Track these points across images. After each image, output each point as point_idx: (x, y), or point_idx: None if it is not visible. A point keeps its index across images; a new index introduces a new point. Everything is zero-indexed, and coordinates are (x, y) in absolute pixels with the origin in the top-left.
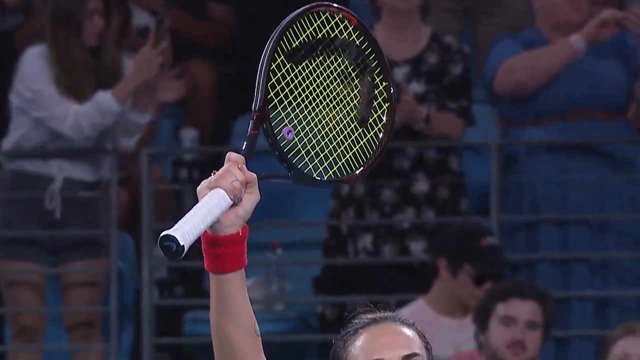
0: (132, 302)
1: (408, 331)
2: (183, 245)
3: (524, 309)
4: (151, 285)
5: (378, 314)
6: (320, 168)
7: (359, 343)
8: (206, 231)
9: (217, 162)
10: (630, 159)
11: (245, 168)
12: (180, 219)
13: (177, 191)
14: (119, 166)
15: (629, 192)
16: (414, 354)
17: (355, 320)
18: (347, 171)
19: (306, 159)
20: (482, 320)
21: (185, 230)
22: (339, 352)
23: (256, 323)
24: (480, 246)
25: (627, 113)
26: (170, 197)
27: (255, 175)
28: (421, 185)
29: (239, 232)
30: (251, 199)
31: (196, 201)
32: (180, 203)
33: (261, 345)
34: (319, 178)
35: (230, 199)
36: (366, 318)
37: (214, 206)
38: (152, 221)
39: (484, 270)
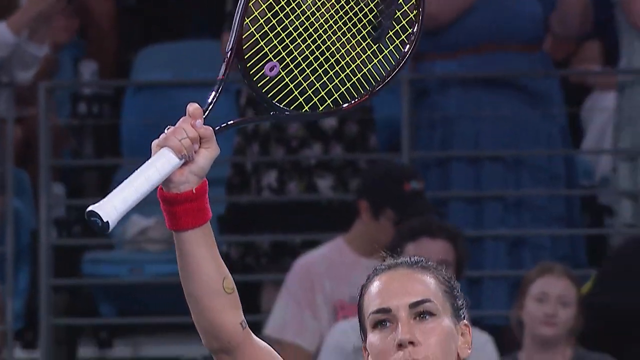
0: (28, 242)
1: (423, 277)
2: (107, 222)
3: (434, 249)
4: (49, 224)
5: (395, 260)
6: (315, 99)
7: (371, 291)
8: (161, 188)
9: (118, 96)
10: (546, 92)
11: (199, 123)
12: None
13: (75, 126)
14: (15, 100)
15: (544, 127)
16: (423, 301)
17: (376, 267)
18: (351, 96)
19: (296, 92)
20: None
21: (113, 204)
22: (359, 300)
23: (228, 279)
24: (403, 191)
25: (543, 45)
26: (69, 133)
27: (210, 129)
28: (329, 120)
29: (192, 190)
30: (206, 155)
31: (99, 137)
32: (79, 138)
33: (235, 301)
34: (313, 110)
35: (179, 158)
36: (384, 265)
37: (155, 170)
38: (49, 157)
39: (406, 215)
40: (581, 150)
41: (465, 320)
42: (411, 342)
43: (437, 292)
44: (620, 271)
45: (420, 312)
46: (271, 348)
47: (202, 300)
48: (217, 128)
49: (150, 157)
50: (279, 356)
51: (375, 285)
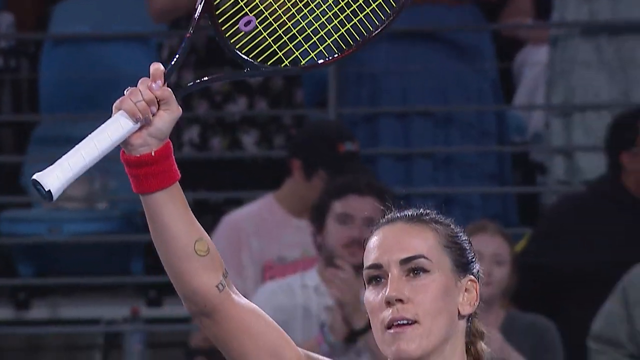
0: None
1: (421, 231)
2: (49, 191)
3: (362, 206)
4: None
5: (396, 213)
6: (297, 53)
7: (369, 246)
8: (123, 151)
9: (36, 50)
10: (476, 47)
11: (157, 84)
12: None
13: None
14: None
15: (475, 82)
16: (414, 257)
17: (377, 220)
18: (339, 49)
19: (274, 47)
20: (318, 219)
21: (57, 173)
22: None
23: (201, 242)
24: (338, 152)
25: None
26: None
27: (168, 90)
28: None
29: (151, 153)
30: (165, 117)
31: (17, 92)
32: None
33: (211, 264)
34: (294, 65)
35: (133, 121)
36: (384, 218)
37: (107, 136)
38: None
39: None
40: (513, 106)
41: (471, 276)
42: (399, 300)
43: (434, 248)
44: (555, 230)
45: (412, 268)
46: (256, 307)
47: (175, 264)
48: (182, 88)
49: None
50: (266, 315)
51: (372, 241)
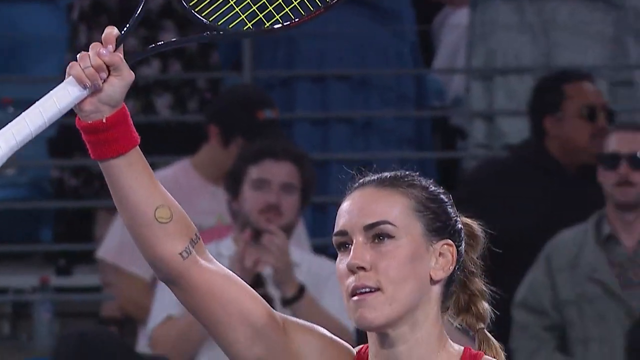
0: None
1: (390, 195)
2: None
3: (278, 171)
4: None
5: (368, 177)
6: (261, 15)
7: (339, 211)
8: (77, 117)
9: None
10: (395, 9)
11: (107, 50)
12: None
13: None
14: None
15: (393, 45)
16: (378, 223)
17: (350, 185)
18: (305, 10)
19: (237, 9)
20: (234, 185)
21: (1, 141)
22: None
23: (162, 209)
24: (256, 119)
25: None
26: None
27: (118, 56)
28: (169, 36)
29: (103, 119)
30: (115, 83)
31: None
32: None
33: (173, 231)
34: (258, 27)
35: (82, 88)
36: (356, 182)
37: (53, 103)
38: None
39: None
40: (432, 70)
41: (447, 239)
42: (361, 267)
43: (402, 212)
44: (475, 196)
45: (376, 234)
46: (228, 274)
47: (136, 231)
48: (134, 53)
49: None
50: (240, 282)
51: (342, 206)
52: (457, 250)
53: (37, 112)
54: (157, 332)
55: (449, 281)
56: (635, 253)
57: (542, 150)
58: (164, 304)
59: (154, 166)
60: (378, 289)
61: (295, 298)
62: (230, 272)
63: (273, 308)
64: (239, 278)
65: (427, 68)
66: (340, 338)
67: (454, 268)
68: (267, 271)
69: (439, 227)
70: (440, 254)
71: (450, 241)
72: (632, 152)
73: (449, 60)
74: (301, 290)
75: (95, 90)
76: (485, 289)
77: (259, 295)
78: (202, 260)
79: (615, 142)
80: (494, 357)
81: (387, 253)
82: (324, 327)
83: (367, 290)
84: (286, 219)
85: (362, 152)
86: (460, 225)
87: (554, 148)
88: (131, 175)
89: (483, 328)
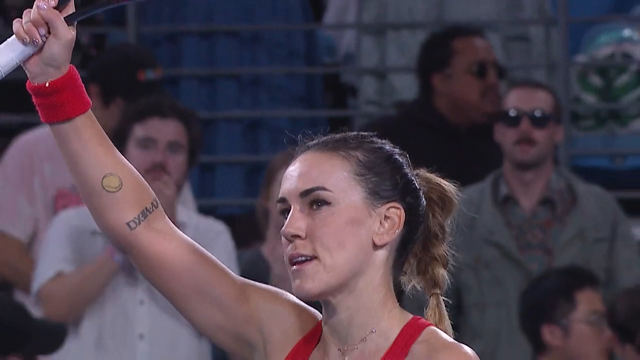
0: None
1: (329, 159)
2: None
3: (164, 130)
4: None
5: (312, 141)
6: None
7: (283, 177)
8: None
9: None
10: None
11: (47, 4)
12: None
13: None
14: None
15: (282, 0)
16: (313, 189)
17: (294, 149)
18: None
19: None
20: (118, 144)
21: None
22: None
23: (110, 178)
24: (137, 80)
25: None
26: None
27: (55, 13)
28: None
29: (45, 84)
30: (53, 43)
31: None
32: None
33: (122, 200)
34: None
35: (22, 43)
36: (302, 146)
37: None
38: None
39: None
40: (322, 25)
41: (394, 202)
42: (296, 236)
43: (340, 177)
44: None
45: (312, 201)
46: (184, 243)
47: (84, 198)
48: (75, 13)
49: None
50: (197, 251)
51: (286, 171)
52: (414, 213)
53: None
54: (46, 289)
55: (403, 244)
56: (533, 214)
57: (431, 109)
58: (53, 260)
59: (31, 125)
60: (315, 257)
61: None
62: (190, 241)
63: None
64: (199, 247)
65: (317, 23)
66: None
67: (405, 231)
68: None
69: (384, 189)
70: (385, 217)
71: (397, 204)
72: (533, 109)
73: (340, 16)
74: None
75: (37, 49)
76: (446, 254)
77: (218, 264)
78: (156, 230)
79: (514, 100)
80: (437, 324)
81: (323, 220)
82: None
83: (304, 259)
84: (173, 179)
85: (250, 110)
86: (416, 186)
87: (442, 106)
88: (78, 141)
89: (438, 294)
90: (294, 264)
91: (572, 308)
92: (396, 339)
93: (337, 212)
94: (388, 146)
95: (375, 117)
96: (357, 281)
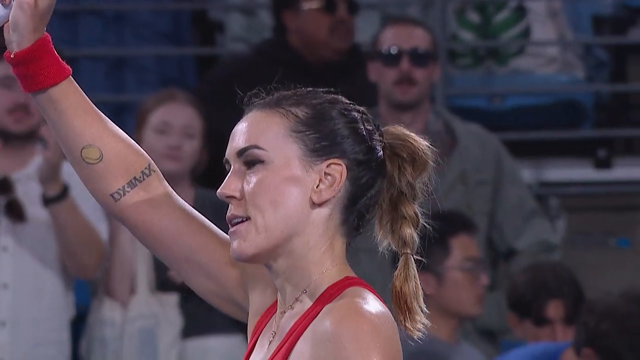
0: None
1: (268, 117)
2: None
3: None
4: None
5: (256, 99)
6: None
7: None
8: None
9: None
10: None
11: None
12: None
13: None
14: None
15: None
16: (247, 148)
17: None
18: None
19: None
20: None
21: None
22: None
23: (89, 149)
24: None
25: None
26: None
27: None
28: None
29: (11, 54)
30: (17, 8)
31: None
32: None
33: (103, 172)
34: None
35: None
36: (248, 104)
37: None
38: None
39: None
40: None
41: (334, 159)
42: (232, 197)
43: (276, 135)
44: (219, 95)
45: (248, 160)
46: (175, 211)
47: (72, 167)
48: None
49: None
50: (189, 218)
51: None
52: (362, 169)
53: None
54: None
55: (351, 202)
56: None
57: (285, 46)
58: None
59: None
60: (248, 218)
61: (57, 198)
62: (182, 208)
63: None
64: (191, 213)
65: None
66: (93, 245)
67: (352, 188)
68: (15, 176)
69: (325, 146)
70: (326, 174)
71: (337, 160)
72: (412, 48)
73: None
74: (65, 190)
75: (9, 12)
76: (415, 214)
77: (210, 229)
78: (145, 199)
79: (391, 38)
80: (401, 285)
81: (257, 179)
82: (79, 233)
83: (238, 220)
84: (37, 119)
85: (114, 47)
86: (366, 141)
87: (296, 43)
88: (54, 112)
89: (407, 253)
90: (232, 225)
91: (446, 255)
92: (317, 298)
93: (271, 170)
94: (340, 102)
95: (228, 57)
96: (293, 242)
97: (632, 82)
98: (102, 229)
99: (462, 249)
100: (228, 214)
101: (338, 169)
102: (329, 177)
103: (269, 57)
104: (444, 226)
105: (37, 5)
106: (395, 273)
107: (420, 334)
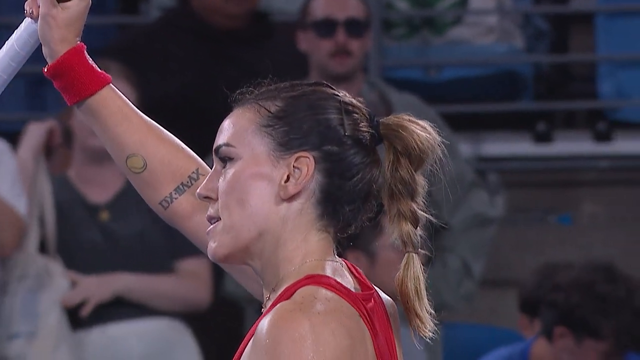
0: None
1: (240, 113)
2: None
3: None
4: None
5: (243, 95)
6: None
7: None
8: None
9: None
10: None
11: None
12: None
13: None
14: None
15: None
16: (219, 147)
17: None
18: None
19: None
20: None
21: None
22: None
23: (133, 159)
24: None
25: None
26: None
27: None
28: None
29: (44, 68)
30: (40, 19)
31: None
32: None
33: (150, 180)
34: None
35: (30, 20)
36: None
37: (13, 39)
38: None
39: None
40: None
41: (305, 152)
42: (207, 197)
43: (245, 130)
44: (127, 63)
45: (221, 157)
46: None
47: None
48: None
49: None
50: None
51: None
52: (335, 161)
53: (4, 52)
54: None
55: (327, 195)
56: None
57: (189, 13)
58: None
59: None
60: (219, 218)
61: None
62: None
63: None
64: None
65: None
66: (11, 224)
67: (326, 181)
68: None
69: (294, 139)
70: (294, 167)
71: (306, 153)
72: (347, 18)
73: None
74: None
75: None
76: (413, 211)
77: None
78: (192, 204)
79: (324, 7)
80: (399, 285)
81: (227, 177)
82: None
83: (215, 220)
84: None
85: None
86: (340, 132)
87: (199, 8)
88: (95, 123)
89: (409, 252)
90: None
91: (378, 233)
92: (275, 299)
93: (240, 167)
94: (319, 92)
95: (138, 27)
96: (264, 240)
97: (573, 53)
98: (21, 204)
99: None
100: (207, 214)
101: (306, 162)
102: (297, 170)
103: (174, 27)
104: (376, 204)
105: (58, 16)
106: (399, 272)
107: (430, 334)
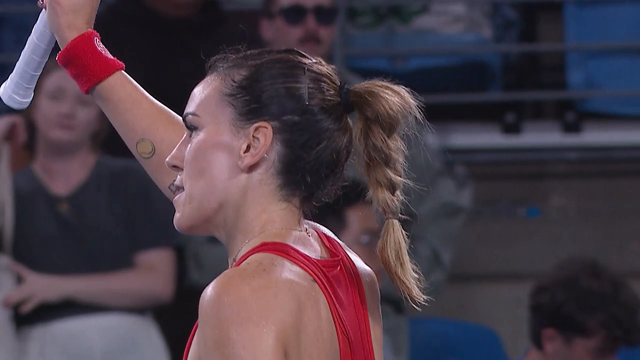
0: None
1: (209, 81)
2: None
3: None
4: None
5: (217, 61)
6: None
7: None
8: None
9: None
10: None
11: None
12: None
13: None
14: None
15: None
16: (186, 115)
17: None
18: None
19: None
20: None
21: (9, 83)
22: None
23: (142, 144)
24: None
25: None
26: None
27: None
28: None
29: (57, 58)
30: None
31: None
32: None
33: (157, 165)
34: None
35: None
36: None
37: (34, 29)
38: None
39: None
40: None
41: (264, 122)
42: (174, 166)
43: (210, 99)
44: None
45: (188, 126)
46: None
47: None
48: None
49: None
50: None
51: None
52: (296, 130)
53: (27, 51)
54: None
55: (289, 166)
56: None
57: (138, 2)
58: None
59: None
60: (183, 188)
61: None
62: None
63: None
64: None
65: None
66: None
67: (287, 151)
68: None
69: (255, 108)
70: (254, 137)
71: (264, 122)
72: (317, 5)
73: None
74: None
75: None
76: (389, 179)
77: None
78: None
79: None
80: (380, 250)
81: (191, 147)
82: None
83: (180, 190)
84: None
85: None
86: (301, 101)
87: (152, 0)
88: (106, 109)
89: (389, 219)
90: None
91: (342, 227)
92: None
93: (203, 137)
94: (286, 60)
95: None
96: (225, 211)
97: (542, 43)
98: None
99: (359, 220)
100: (175, 184)
101: (265, 132)
102: (257, 141)
103: (123, 16)
104: (340, 196)
105: (64, 2)
106: (380, 237)
107: (422, 301)
